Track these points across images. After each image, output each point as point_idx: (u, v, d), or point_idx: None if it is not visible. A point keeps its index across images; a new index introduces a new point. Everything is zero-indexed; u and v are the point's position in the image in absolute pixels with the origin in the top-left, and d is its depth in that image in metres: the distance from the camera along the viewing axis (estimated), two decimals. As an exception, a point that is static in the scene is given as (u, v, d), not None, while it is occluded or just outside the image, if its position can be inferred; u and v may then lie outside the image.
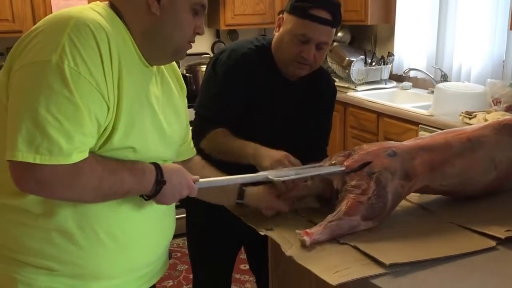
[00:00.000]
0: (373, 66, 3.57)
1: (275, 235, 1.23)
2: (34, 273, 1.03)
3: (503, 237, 1.16)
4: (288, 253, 1.13)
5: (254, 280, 2.07)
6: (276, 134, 1.56)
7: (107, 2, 1.09)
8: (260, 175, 1.29)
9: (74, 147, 0.93)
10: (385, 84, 3.58)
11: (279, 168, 1.32)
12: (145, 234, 1.13)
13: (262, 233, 1.26)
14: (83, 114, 0.94)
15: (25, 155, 0.90)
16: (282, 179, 1.28)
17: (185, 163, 1.31)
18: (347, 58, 3.57)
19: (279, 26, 1.56)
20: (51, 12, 3.00)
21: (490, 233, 1.18)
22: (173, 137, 1.18)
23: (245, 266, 2.77)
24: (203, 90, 1.51)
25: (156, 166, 1.07)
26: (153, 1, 1.05)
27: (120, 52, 1.01)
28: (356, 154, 1.30)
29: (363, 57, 3.57)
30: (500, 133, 1.37)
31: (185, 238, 1.85)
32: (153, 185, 1.06)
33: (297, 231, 1.19)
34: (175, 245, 3.15)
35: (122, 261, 1.09)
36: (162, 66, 1.19)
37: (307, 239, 1.15)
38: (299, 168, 1.34)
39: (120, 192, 1.03)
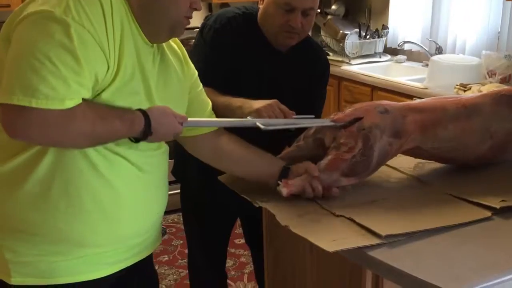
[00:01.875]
0: (368, 39, 3.53)
1: (270, 206, 1.22)
2: (19, 239, 1.04)
3: (498, 207, 1.16)
4: (283, 223, 1.13)
5: (249, 254, 2.08)
6: None
7: None
8: (249, 120, 1.28)
9: (69, 94, 0.93)
10: (380, 57, 3.55)
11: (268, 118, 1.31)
12: (132, 204, 1.12)
13: (257, 205, 1.26)
14: (82, 66, 0.94)
15: (20, 98, 0.90)
16: (270, 127, 1.26)
17: (212, 138, 1.30)
18: (341, 32, 3.53)
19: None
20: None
21: (485, 203, 1.18)
22: None
23: (239, 241, 2.79)
24: (191, 55, 1.49)
25: (144, 114, 1.06)
26: None
27: (122, 21, 1.02)
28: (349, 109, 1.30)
29: (357, 30, 3.52)
30: (498, 103, 1.36)
31: (180, 213, 1.85)
32: (141, 132, 1.06)
33: (278, 181, 1.21)
34: (169, 220, 3.16)
35: (107, 229, 1.09)
36: (164, 46, 1.18)
37: (284, 190, 1.19)
38: (289, 120, 1.33)
39: (110, 138, 1.04)
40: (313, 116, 1.35)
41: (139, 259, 1.22)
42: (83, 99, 0.97)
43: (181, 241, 2.91)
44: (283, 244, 1.44)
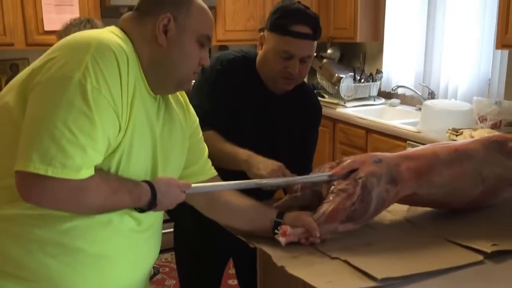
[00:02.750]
0: (362, 83, 3.62)
1: (265, 247, 1.23)
2: (11, 282, 1.03)
3: (489, 251, 1.18)
4: (279, 263, 1.14)
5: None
6: (260, 147, 1.56)
7: (119, 27, 1.10)
8: (251, 182, 1.31)
9: (85, 162, 0.95)
10: (374, 100, 3.63)
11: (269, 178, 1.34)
12: (127, 257, 1.12)
13: (252, 246, 1.27)
14: (98, 131, 0.96)
15: (37, 166, 0.92)
16: (271, 187, 1.30)
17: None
18: (336, 75, 3.61)
19: (261, 44, 1.59)
20: (43, 25, 3.04)
21: (477, 247, 1.20)
22: (167, 169, 1.17)
23: (233, 281, 2.76)
24: (193, 94, 1.53)
25: (151, 187, 1.08)
26: (160, 33, 1.07)
27: (135, 77, 1.04)
28: (345, 162, 1.33)
29: (352, 74, 3.61)
30: (488, 148, 1.40)
31: (173, 253, 1.85)
32: (147, 204, 1.08)
33: (276, 230, 1.23)
34: (163, 260, 3.13)
35: (99, 281, 1.08)
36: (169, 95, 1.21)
37: (282, 240, 1.21)
38: (289, 180, 1.36)
39: (118, 209, 1.06)
40: (309, 176, 1.37)
41: None
42: (97, 171, 0.99)
43: (174, 281, 2.88)
44: (277, 286, 1.44)
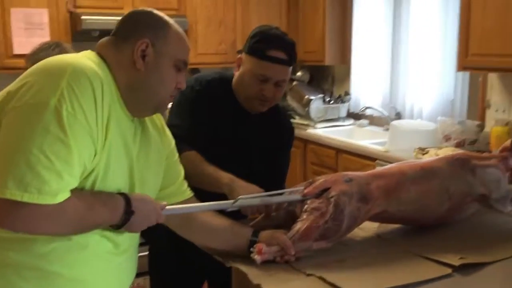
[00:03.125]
0: (331, 104, 3.71)
1: (241, 266, 1.25)
2: None
3: (457, 264, 1.22)
4: (255, 281, 1.16)
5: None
6: (235, 166, 1.58)
7: (96, 52, 1.12)
8: (227, 202, 1.33)
9: (61, 188, 0.96)
10: (343, 121, 3.72)
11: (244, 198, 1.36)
12: (103, 279, 1.11)
13: (228, 265, 1.28)
14: (74, 157, 0.97)
15: (13, 193, 0.91)
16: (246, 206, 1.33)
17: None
18: (306, 97, 3.69)
19: (239, 66, 1.63)
20: (12, 50, 3.01)
21: (446, 261, 1.24)
22: (144, 190, 1.17)
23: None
24: (172, 114, 1.55)
25: (126, 198, 1.09)
26: (138, 58, 1.09)
27: (110, 102, 1.05)
28: (317, 181, 1.37)
29: (322, 95, 3.70)
30: (453, 166, 1.46)
31: (146, 277, 1.83)
32: (121, 216, 1.08)
33: (251, 249, 1.24)
34: (135, 284, 3.08)
35: None
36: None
37: (257, 258, 1.23)
38: (263, 195, 1.38)
39: (94, 225, 1.05)
40: (282, 191, 1.40)
41: None
42: (72, 190, 0.99)
43: (147, 306, 2.84)
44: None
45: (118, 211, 1.07)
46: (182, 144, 1.43)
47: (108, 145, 1.04)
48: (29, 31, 3.05)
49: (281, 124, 1.75)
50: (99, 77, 1.03)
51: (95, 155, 1.02)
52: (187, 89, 1.60)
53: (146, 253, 1.76)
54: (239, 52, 1.66)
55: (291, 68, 1.61)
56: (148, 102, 1.14)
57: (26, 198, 0.92)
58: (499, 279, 1.22)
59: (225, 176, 1.46)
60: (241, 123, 1.64)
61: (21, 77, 1.04)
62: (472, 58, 2.55)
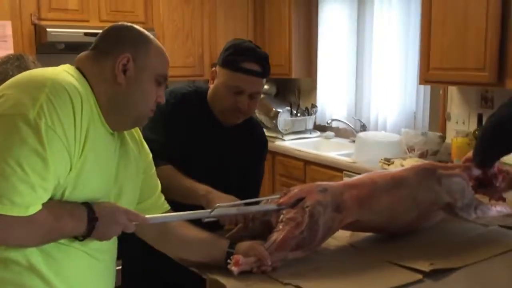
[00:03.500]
0: (298, 117, 3.77)
1: (219, 277, 1.26)
2: None
3: (427, 270, 1.27)
4: (232, 292, 1.17)
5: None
6: (210, 177, 1.59)
7: (75, 66, 1.11)
8: (202, 212, 1.33)
9: (34, 200, 0.95)
10: (310, 133, 3.79)
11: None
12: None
13: (206, 277, 1.29)
14: (50, 171, 0.96)
15: None
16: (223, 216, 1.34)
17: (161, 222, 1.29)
18: (274, 109, 3.74)
19: (213, 79, 1.65)
20: (-27, 61, 2.92)
21: (417, 267, 1.29)
22: (120, 203, 1.16)
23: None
24: (147, 128, 1.55)
25: (87, 206, 1.07)
26: (120, 72, 1.10)
27: (89, 117, 1.05)
28: (292, 191, 1.40)
29: (289, 108, 3.76)
30: (420, 175, 1.52)
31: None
32: (86, 225, 1.06)
33: (228, 260, 1.26)
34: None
35: None
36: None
37: (235, 269, 1.24)
38: (240, 203, 1.40)
39: (61, 236, 1.04)
40: (259, 200, 1.42)
41: None
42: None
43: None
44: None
45: (83, 220, 1.05)
46: (158, 158, 1.43)
47: (82, 159, 1.04)
48: (-8, 43, 2.99)
49: (255, 136, 1.78)
50: (79, 92, 1.03)
51: (70, 170, 1.02)
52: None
53: (119, 267, 1.74)
54: (213, 65, 1.69)
55: (264, 80, 1.64)
56: (129, 116, 1.14)
57: (5, 210, 0.92)
58: (468, 283, 1.27)
59: (202, 188, 1.47)
60: (216, 136, 1.66)
61: None
62: (433, 72, 2.66)
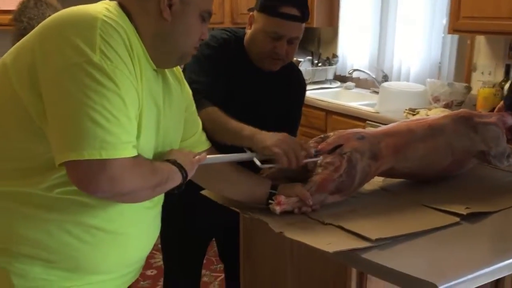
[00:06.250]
0: (319, 66, 3.73)
1: (260, 216, 1.29)
2: (29, 264, 1.01)
3: (465, 213, 1.30)
4: (277, 230, 1.20)
5: (211, 274, 2.09)
6: (249, 123, 1.61)
7: (116, 2, 1.08)
8: (248, 155, 1.35)
9: (129, 140, 0.96)
10: (330, 84, 3.76)
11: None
12: (140, 232, 1.14)
13: (247, 216, 1.33)
14: (130, 110, 0.97)
15: (90, 153, 0.90)
16: (267, 165, 1.35)
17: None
18: (295, 59, 3.69)
19: (251, 24, 1.63)
20: (-2, 5, 2.89)
21: (453, 210, 1.32)
22: (166, 142, 1.19)
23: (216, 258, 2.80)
24: (190, 71, 1.54)
25: (173, 162, 1.11)
26: (165, 7, 1.07)
27: (138, 54, 1.04)
28: (330, 138, 1.42)
29: (310, 57, 3.72)
30: (457, 122, 1.52)
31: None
32: (180, 174, 1.11)
33: (270, 200, 1.29)
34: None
35: (117, 257, 1.10)
36: None
37: (277, 208, 1.27)
38: None
39: (164, 180, 1.07)
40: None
41: (131, 282, 1.23)
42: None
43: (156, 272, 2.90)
44: (260, 257, 1.51)
45: (174, 170, 1.10)
46: (204, 100, 1.44)
47: (143, 98, 1.04)
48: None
49: (294, 80, 1.77)
50: (124, 29, 1.01)
51: (138, 107, 1.02)
52: (203, 46, 1.60)
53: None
54: (251, 9, 1.66)
55: (303, 24, 1.61)
56: (173, 53, 1.13)
57: (105, 155, 0.91)
58: (504, 227, 1.30)
59: (247, 129, 1.46)
60: (254, 81, 1.65)
61: (41, 30, 1.00)
62: (463, 21, 2.60)
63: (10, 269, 1.01)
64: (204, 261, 1.90)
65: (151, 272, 2.83)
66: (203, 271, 2.78)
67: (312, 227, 1.24)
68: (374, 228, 1.22)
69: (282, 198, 1.29)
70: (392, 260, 1.08)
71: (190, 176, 1.14)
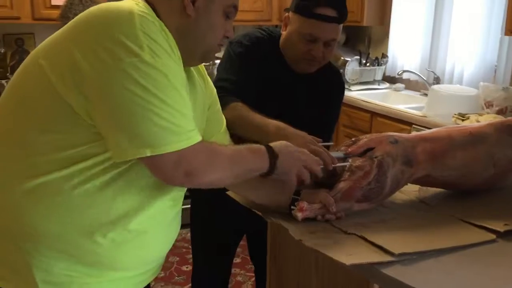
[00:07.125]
0: (367, 66, 3.62)
1: (282, 222, 1.25)
2: (53, 258, 1.01)
3: (502, 230, 1.20)
4: (297, 237, 1.16)
5: (246, 273, 2.09)
6: (284, 123, 1.56)
7: None
8: None
9: (194, 128, 1.00)
10: (378, 85, 3.65)
11: None
12: (161, 230, 1.14)
13: (269, 220, 1.29)
14: (185, 97, 1.01)
15: (168, 147, 0.95)
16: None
17: None
18: (342, 58, 3.62)
19: (286, 25, 1.58)
20: (50, 0, 3.00)
21: (490, 226, 1.22)
22: None
23: (235, 260, 2.79)
24: (220, 69, 1.53)
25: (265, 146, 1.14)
26: (189, 3, 1.06)
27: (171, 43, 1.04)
28: (361, 140, 1.35)
29: (358, 57, 3.62)
30: (502, 132, 1.41)
31: (188, 228, 1.87)
32: (268, 160, 1.13)
33: (292, 206, 1.25)
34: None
35: (139, 255, 1.10)
36: None
37: (299, 215, 1.23)
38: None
39: (247, 169, 1.11)
40: (328, 143, 1.39)
41: (152, 279, 1.24)
42: None
43: (177, 258, 2.92)
44: (286, 262, 1.47)
45: (264, 156, 1.12)
46: (230, 96, 1.41)
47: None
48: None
49: (331, 81, 1.70)
50: (157, 20, 1.02)
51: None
52: (236, 44, 1.58)
53: (189, 206, 1.80)
54: (286, 10, 1.61)
55: (341, 26, 1.54)
56: (197, 50, 1.12)
57: (185, 143, 0.96)
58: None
59: (273, 124, 1.41)
60: (289, 83, 1.60)
61: (80, 26, 1.00)
62: (522, 22, 2.44)
63: (34, 263, 1.01)
64: (239, 260, 1.89)
65: (186, 267, 2.85)
66: (238, 270, 2.79)
67: (334, 236, 1.18)
68: (399, 241, 1.15)
69: (304, 204, 1.24)
70: (415, 278, 1.01)
71: (290, 164, 1.17)
